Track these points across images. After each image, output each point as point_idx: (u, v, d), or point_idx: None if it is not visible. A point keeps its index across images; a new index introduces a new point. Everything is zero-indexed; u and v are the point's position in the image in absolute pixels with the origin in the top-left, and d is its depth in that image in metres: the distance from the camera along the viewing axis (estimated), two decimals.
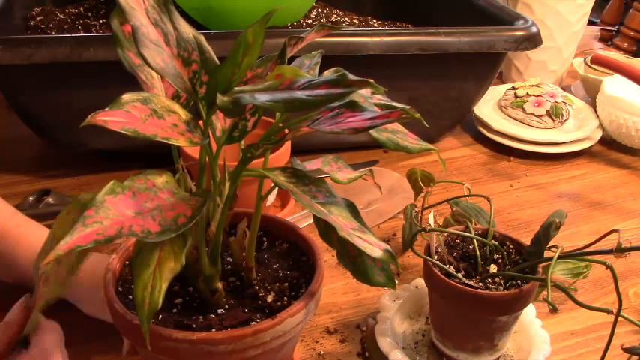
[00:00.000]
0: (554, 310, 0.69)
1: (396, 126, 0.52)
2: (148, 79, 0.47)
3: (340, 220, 0.44)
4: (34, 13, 1.08)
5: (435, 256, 0.59)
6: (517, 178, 0.99)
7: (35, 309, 0.46)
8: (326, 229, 0.49)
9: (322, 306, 0.70)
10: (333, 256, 0.76)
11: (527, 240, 0.59)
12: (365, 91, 0.50)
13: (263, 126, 0.65)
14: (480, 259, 0.59)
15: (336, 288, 0.73)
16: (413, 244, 0.60)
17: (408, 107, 0.42)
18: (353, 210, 0.46)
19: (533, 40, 0.94)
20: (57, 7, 1.14)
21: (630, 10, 1.82)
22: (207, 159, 0.46)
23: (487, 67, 0.98)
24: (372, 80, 0.38)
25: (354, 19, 1.21)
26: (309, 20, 1.16)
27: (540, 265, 0.56)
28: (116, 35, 0.47)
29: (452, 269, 0.57)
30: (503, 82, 1.29)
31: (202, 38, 0.45)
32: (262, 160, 0.58)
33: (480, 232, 0.61)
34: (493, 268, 0.58)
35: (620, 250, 0.48)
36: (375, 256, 0.43)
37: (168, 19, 0.44)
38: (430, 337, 0.63)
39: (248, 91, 0.40)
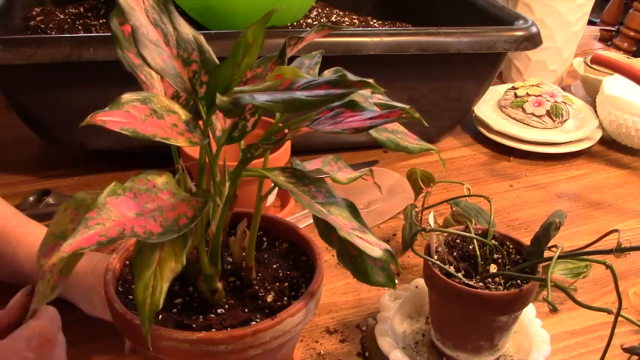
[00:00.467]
0: (554, 310, 0.69)
1: (396, 126, 0.52)
2: (147, 79, 0.47)
3: (340, 220, 0.44)
4: (34, 13, 1.08)
5: (435, 256, 0.59)
6: (517, 178, 0.99)
7: (33, 302, 0.46)
8: (326, 229, 0.49)
9: (322, 306, 0.70)
10: (333, 256, 0.76)
11: (527, 240, 0.59)
12: (365, 91, 0.50)
13: (263, 126, 0.65)
14: (480, 259, 0.59)
15: (336, 288, 0.73)
16: (413, 244, 0.60)
17: (407, 107, 0.42)
18: (353, 210, 0.46)
19: (533, 40, 0.94)
20: (57, 7, 1.14)
21: (630, 10, 1.82)
22: (207, 159, 0.46)
23: (487, 67, 0.98)
24: (371, 81, 0.38)
25: (354, 19, 1.21)
26: (309, 20, 1.16)
27: (540, 265, 0.56)
28: (116, 35, 0.47)
29: (452, 269, 0.57)
30: (503, 82, 1.29)
31: (202, 38, 0.45)
32: (262, 160, 0.58)
33: (480, 232, 0.61)
34: (493, 268, 0.58)
35: (620, 250, 0.48)
36: (375, 256, 0.43)
37: (168, 19, 0.44)
38: (430, 337, 0.63)
39: (248, 92, 0.40)
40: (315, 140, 0.97)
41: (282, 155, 0.75)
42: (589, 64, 1.16)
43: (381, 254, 0.43)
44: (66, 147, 0.94)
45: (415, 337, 0.64)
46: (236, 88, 0.42)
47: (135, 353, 0.61)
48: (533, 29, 0.95)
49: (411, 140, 0.51)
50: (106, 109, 0.37)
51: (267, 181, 0.49)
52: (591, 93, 1.21)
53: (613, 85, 1.08)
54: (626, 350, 0.48)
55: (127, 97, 0.39)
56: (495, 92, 1.15)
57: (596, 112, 1.11)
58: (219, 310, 0.48)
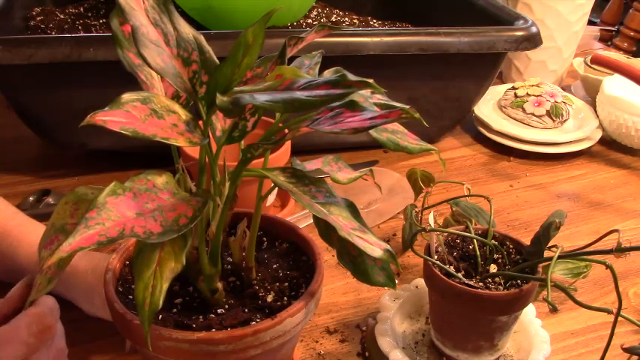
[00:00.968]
0: (554, 310, 0.69)
1: (396, 126, 0.52)
2: (147, 79, 0.47)
3: (340, 220, 0.44)
4: (34, 13, 1.08)
5: (435, 256, 0.59)
6: (517, 178, 0.99)
7: (32, 293, 0.47)
8: (326, 229, 0.49)
9: (322, 306, 0.70)
10: (333, 256, 0.76)
11: (527, 240, 0.59)
12: (365, 91, 0.50)
13: (263, 126, 0.65)
14: (480, 259, 0.59)
15: (336, 288, 0.73)
16: (413, 244, 0.60)
17: (407, 107, 0.42)
18: (353, 210, 0.46)
19: (533, 40, 0.94)
20: (57, 7, 1.14)
21: (630, 10, 1.82)
22: (207, 159, 0.46)
23: (487, 67, 0.98)
24: (371, 81, 0.38)
25: (354, 19, 1.21)
26: (309, 20, 1.16)
27: (540, 265, 0.56)
28: (116, 35, 0.47)
29: (452, 269, 0.57)
30: (503, 82, 1.29)
31: (202, 38, 0.45)
32: (262, 160, 0.58)
33: (480, 232, 0.61)
34: (493, 268, 0.58)
35: (620, 250, 0.48)
36: (375, 255, 0.43)
37: (168, 19, 0.44)
38: (430, 337, 0.63)
39: (248, 92, 0.40)
40: (315, 140, 0.97)
41: (282, 155, 0.75)
42: (589, 64, 1.16)
43: (381, 254, 0.43)
44: (66, 147, 0.94)
45: (415, 337, 0.64)
46: (236, 88, 0.42)
47: (135, 353, 0.61)
48: (533, 29, 0.95)
49: (411, 140, 0.51)
50: (106, 108, 0.37)
51: (267, 181, 0.49)
52: (591, 93, 1.21)
53: (613, 85, 1.08)
54: (626, 350, 0.48)
55: (127, 97, 0.39)
56: (495, 92, 1.15)
57: (596, 112, 1.11)
58: (219, 310, 0.48)
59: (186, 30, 0.44)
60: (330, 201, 0.45)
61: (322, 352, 0.64)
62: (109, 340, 0.62)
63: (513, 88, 1.13)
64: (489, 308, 0.55)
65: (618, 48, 1.81)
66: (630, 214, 0.90)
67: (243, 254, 0.52)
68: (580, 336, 0.67)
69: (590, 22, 1.50)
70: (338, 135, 0.42)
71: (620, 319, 0.49)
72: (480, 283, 0.56)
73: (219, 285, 0.49)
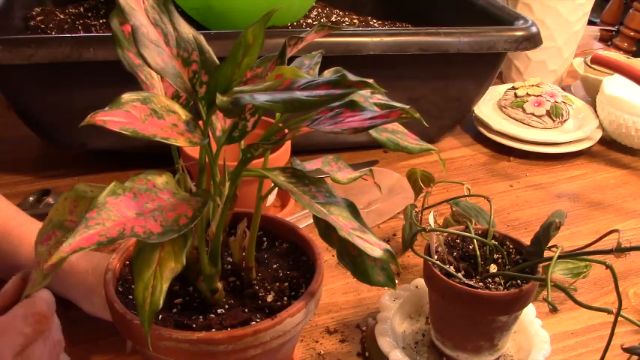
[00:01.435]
0: (554, 310, 0.69)
1: (396, 126, 0.52)
2: (147, 79, 0.47)
3: (340, 220, 0.44)
4: (34, 13, 1.08)
5: (435, 256, 0.59)
6: (517, 178, 0.99)
7: (27, 288, 0.47)
8: (326, 229, 0.49)
9: (322, 306, 0.70)
10: (333, 256, 0.76)
11: (527, 240, 0.59)
12: (365, 91, 0.50)
13: (263, 126, 0.65)
14: (480, 259, 0.59)
15: (336, 288, 0.73)
16: (413, 244, 0.60)
17: (407, 107, 0.42)
18: (353, 210, 0.46)
19: (533, 40, 0.94)
20: (57, 7, 1.14)
21: (630, 10, 1.82)
22: (207, 159, 0.46)
23: (487, 67, 0.98)
24: (371, 81, 0.38)
25: (354, 19, 1.21)
26: (309, 20, 1.16)
27: (540, 265, 0.56)
28: (116, 35, 0.47)
29: (452, 269, 0.57)
30: (503, 82, 1.29)
31: (202, 38, 0.45)
32: (262, 160, 0.58)
33: (480, 232, 0.61)
34: (493, 268, 0.58)
35: (620, 250, 0.48)
36: (375, 255, 0.43)
37: (168, 19, 0.44)
38: (430, 337, 0.63)
39: (248, 92, 0.40)
40: (315, 140, 0.97)
41: (282, 155, 0.75)
42: (589, 64, 1.16)
43: (381, 254, 0.43)
44: (66, 147, 0.94)
45: (415, 337, 0.64)
46: (236, 88, 0.42)
47: (135, 353, 0.61)
48: (533, 29, 0.95)
49: (411, 140, 0.51)
50: (106, 108, 0.37)
51: (267, 181, 0.49)
52: (591, 93, 1.21)
53: (613, 85, 1.08)
54: (626, 350, 0.48)
55: (127, 96, 0.39)
56: (495, 92, 1.15)
57: (596, 112, 1.11)
58: (219, 310, 0.48)
59: (186, 30, 0.44)
60: (330, 201, 0.45)
61: (322, 352, 0.64)
62: (109, 340, 0.62)
63: (513, 88, 1.13)
64: (489, 308, 0.55)
65: (618, 48, 1.81)
66: (630, 214, 0.90)
67: (243, 254, 0.52)
68: (580, 336, 0.67)
69: (590, 22, 1.50)
70: (338, 135, 0.42)
71: (620, 319, 0.49)
72: (480, 283, 0.56)
73: (219, 285, 0.49)
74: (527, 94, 1.10)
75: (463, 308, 0.56)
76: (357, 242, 0.43)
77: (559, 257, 0.52)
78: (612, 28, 1.94)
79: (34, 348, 0.47)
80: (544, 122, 1.07)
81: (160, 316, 0.48)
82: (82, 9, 1.15)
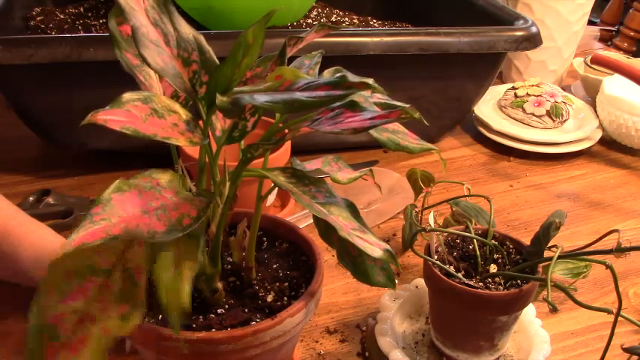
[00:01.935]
0: (554, 310, 0.69)
1: (396, 126, 0.52)
2: (146, 80, 0.47)
3: (340, 220, 0.44)
4: (34, 13, 1.08)
5: (435, 256, 0.59)
6: (517, 178, 0.99)
7: None
8: (326, 229, 0.49)
9: (322, 306, 0.70)
10: (333, 256, 0.76)
11: (527, 240, 0.59)
12: (365, 91, 0.50)
13: (263, 126, 0.65)
14: (479, 259, 0.59)
15: (336, 288, 0.73)
16: (413, 244, 0.60)
17: (407, 106, 0.42)
18: (353, 210, 0.46)
19: (533, 40, 0.94)
20: (57, 7, 1.14)
21: (630, 10, 1.82)
22: (207, 159, 0.46)
23: (487, 67, 0.98)
24: (371, 81, 0.38)
25: (354, 19, 1.21)
26: (309, 20, 1.16)
27: (540, 265, 0.56)
28: (114, 36, 0.47)
29: (452, 269, 0.57)
30: (503, 82, 1.29)
31: (202, 38, 0.45)
32: (262, 160, 0.58)
33: (480, 232, 0.61)
34: (493, 268, 0.58)
35: (620, 250, 0.48)
36: (375, 256, 0.43)
37: (168, 19, 0.44)
38: (430, 337, 0.63)
39: (248, 92, 0.40)
40: (315, 140, 0.97)
41: (282, 155, 0.75)
42: (589, 64, 1.16)
43: (381, 254, 0.43)
44: (66, 147, 0.94)
45: (415, 337, 0.64)
46: (236, 89, 0.42)
47: (135, 353, 0.61)
48: (533, 29, 0.95)
49: (412, 140, 0.51)
50: (107, 108, 0.37)
51: (267, 181, 0.49)
52: (591, 93, 1.21)
53: (613, 85, 1.08)
54: (626, 350, 0.48)
55: (127, 96, 0.39)
56: (495, 92, 1.15)
57: (596, 112, 1.11)
58: (219, 310, 0.48)
59: (186, 30, 0.44)
60: (330, 201, 0.45)
61: (322, 352, 0.64)
62: None
63: (513, 88, 1.13)
64: (489, 308, 0.55)
65: (618, 48, 1.81)
66: (630, 214, 0.90)
67: (243, 254, 0.52)
68: (580, 336, 0.67)
69: (590, 22, 1.50)
70: (338, 135, 0.42)
71: (620, 319, 0.49)
72: (480, 283, 0.56)
73: (219, 285, 0.49)
74: (527, 94, 1.10)
75: (463, 308, 0.56)
76: (357, 242, 0.43)
77: (559, 257, 0.52)
78: (612, 28, 1.94)
79: None
80: (544, 122, 1.07)
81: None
82: (82, 9, 1.15)
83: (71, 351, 0.34)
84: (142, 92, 0.40)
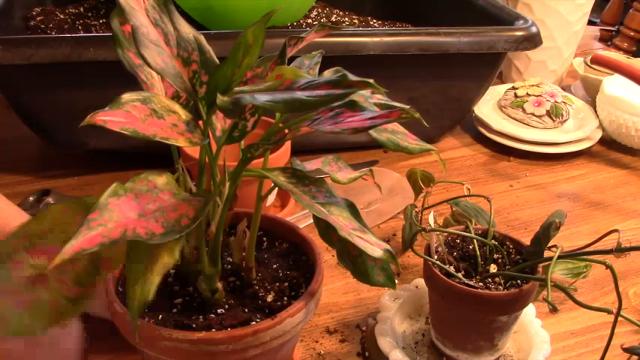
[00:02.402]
0: (554, 310, 0.69)
1: (396, 126, 0.52)
2: (147, 79, 0.47)
3: (340, 220, 0.44)
4: (34, 13, 1.08)
5: (435, 256, 0.59)
6: (517, 178, 0.99)
7: None
8: (326, 229, 0.49)
9: (322, 306, 0.70)
10: (333, 256, 0.76)
11: (527, 240, 0.59)
12: (365, 91, 0.50)
13: (263, 126, 0.65)
14: (479, 259, 0.59)
15: (336, 288, 0.73)
16: (413, 244, 0.60)
17: (407, 107, 0.42)
18: (353, 210, 0.46)
19: (533, 40, 0.94)
20: (57, 7, 1.14)
21: (630, 10, 1.82)
22: (207, 159, 0.46)
23: (487, 67, 0.98)
24: (372, 81, 0.38)
25: (354, 19, 1.21)
26: (309, 20, 1.16)
27: (540, 265, 0.56)
28: (116, 35, 0.47)
29: (452, 269, 0.57)
30: (503, 82, 1.29)
31: (202, 38, 0.45)
32: (262, 160, 0.58)
33: (480, 232, 0.61)
34: (493, 268, 0.58)
35: (620, 250, 0.48)
36: (375, 256, 0.43)
37: (168, 19, 0.44)
38: (430, 337, 0.63)
39: (248, 92, 0.40)
40: (315, 140, 0.97)
41: (282, 155, 0.75)
42: (589, 64, 1.16)
43: (381, 254, 0.43)
44: (66, 147, 0.94)
45: (415, 337, 0.64)
46: (236, 89, 0.42)
47: (135, 353, 0.61)
48: (533, 29, 0.95)
49: (411, 141, 0.51)
50: (106, 108, 0.37)
51: (267, 181, 0.49)
52: (591, 93, 1.21)
53: (613, 85, 1.08)
54: (626, 350, 0.48)
55: (127, 96, 0.39)
56: (495, 92, 1.15)
57: (596, 112, 1.11)
58: (219, 310, 0.48)
59: (187, 30, 0.44)
60: (330, 201, 0.45)
61: (322, 352, 0.64)
62: (109, 340, 0.62)
63: (513, 88, 1.13)
64: (489, 308, 0.55)
65: (618, 48, 1.81)
66: (630, 214, 0.90)
67: (243, 254, 0.52)
68: (580, 336, 0.67)
69: (590, 22, 1.50)
70: (338, 135, 0.42)
71: (620, 319, 0.49)
72: (480, 283, 0.56)
73: (219, 285, 0.49)
74: (527, 94, 1.10)
75: (463, 308, 0.56)
76: (357, 242, 0.43)
77: (559, 257, 0.52)
78: (612, 28, 1.94)
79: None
80: (544, 122, 1.07)
81: (160, 316, 0.48)
82: (82, 9, 1.15)
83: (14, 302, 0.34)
84: (142, 93, 0.40)
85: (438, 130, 1.06)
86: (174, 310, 0.49)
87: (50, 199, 0.84)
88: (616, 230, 0.50)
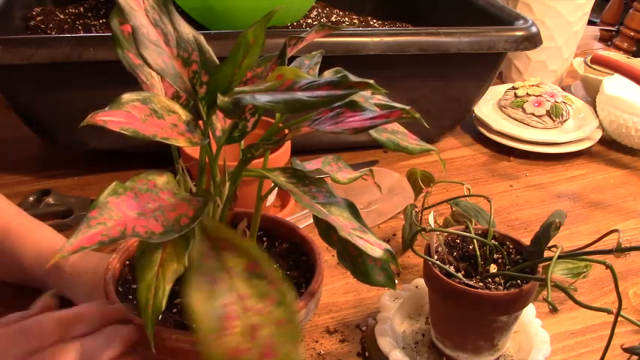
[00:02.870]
0: (554, 310, 0.69)
1: (396, 126, 0.52)
2: (147, 80, 0.47)
3: (341, 220, 0.44)
4: (34, 13, 1.08)
5: (435, 256, 0.59)
6: (517, 178, 0.99)
7: None
8: (326, 229, 0.49)
9: (322, 306, 0.70)
10: (333, 256, 0.76)
11: (527, 240, 0.59)
12: (365, 92, 0.50)
13: (263, 126, 0.65)
14: (480, 259, 0.59)
15: (336, 288, 0.73)
16: (413, 244, 0.60)
17: (407, 107, 0.42)
18: (353, 210, 0.46)
19: (533, 40, 0.94)
20: (57, 7, 1.14)
21: (630, 10, 1.82)
22: (207, 159, 0.46)
23: (487, 67, 0.98)
24: (372, 81, 0.38)
25: (354, 19, 1.21)
26: (309, 20, 1.16)
27: (540, 265, 0.56)
28: (116, 35, 0.47)
29: (452, 269, 0.57)
30: (503, 82, 1.29)
31: (202, 38, 0.45)
32: (262, 160, 0.58)
33: (480, 232, 0.61)
34: (493, 268, 0.58)
35: (620, 250, 0.48)
36: (375, 256, 0.43)
37: (168, 20, 0.44)
38: (430, 337, 0.63)
39: (249, 92, 0.40)
40: (315, 140, 0.97)
41: (282, 155, 0.75)
42: (589, 64, 1.16)
43: (381, 254, 0.43)
44: (66, 147, 0.94)
45: (415, 337, 0.64)
46: (237, 89, 0.42)
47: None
48: (533, 29, 0.95)
49: (411, 141, 0.51)
50: (107, 108, 0.37)
51: (267, 181, 0.49)
52: (591, 93, 1.21)
53: (613, 85, 1.08)
54: (626, 350, 0.48)
55: (127, 97, 0.39)
56: (495, 92, 1.15)
57: (596, 112, 1.11)
58: None
59: (186, 30, 0.44)
60: (330, 201, 0.45)
61: (322, 352, 0.64)
62: None
63: (513, 88, 1.13)
64: (489, 308, 0.55)
65: (618, 48, 1.81)
66: (630, 214, 0.90)
67: None
68: (580, 336, 0.67)
69: (590, 22, 1.50)
70: (338, 135, 0.42)
71: (620, 319, 0.49)
72: (480, 283, 0.56)
73: None
74: (527, 94, 1.10)
75: (463, 308, 0.56)
76: (358, 242, 0.43)
77: (559, 257, 0.52)
78: (612, 28, 1.94)
79: None
80: (544, 122, 1.07)
81: (161, 316, 0.48)
82: (82, 9, 1.15)
83: None
84: (142, 93, 0.40)
85: (438, 130, 1.06)
86: (175, 310, 0.49)
87: (50, 199, 0.84)
88: (616, 230, 0.50)
